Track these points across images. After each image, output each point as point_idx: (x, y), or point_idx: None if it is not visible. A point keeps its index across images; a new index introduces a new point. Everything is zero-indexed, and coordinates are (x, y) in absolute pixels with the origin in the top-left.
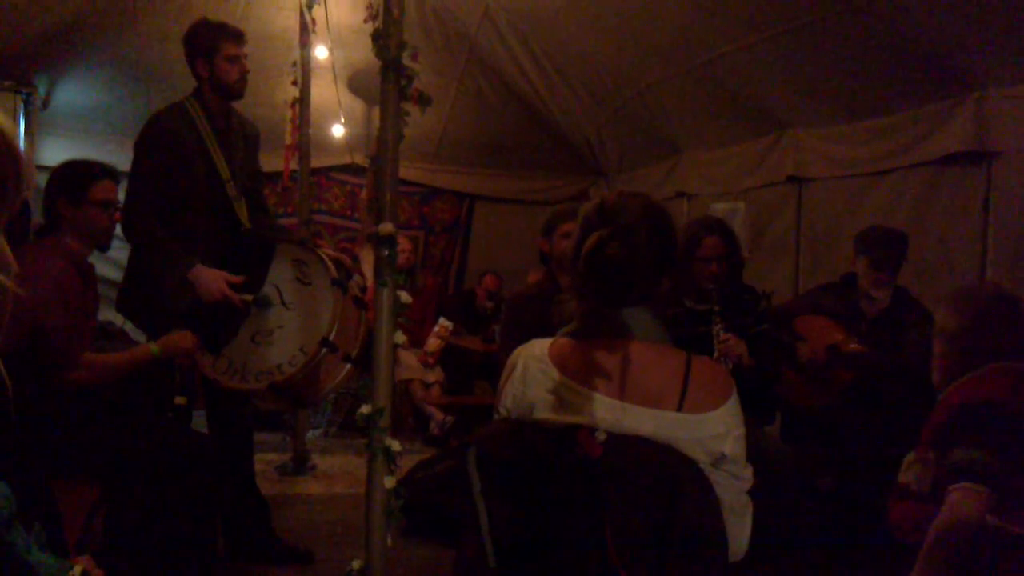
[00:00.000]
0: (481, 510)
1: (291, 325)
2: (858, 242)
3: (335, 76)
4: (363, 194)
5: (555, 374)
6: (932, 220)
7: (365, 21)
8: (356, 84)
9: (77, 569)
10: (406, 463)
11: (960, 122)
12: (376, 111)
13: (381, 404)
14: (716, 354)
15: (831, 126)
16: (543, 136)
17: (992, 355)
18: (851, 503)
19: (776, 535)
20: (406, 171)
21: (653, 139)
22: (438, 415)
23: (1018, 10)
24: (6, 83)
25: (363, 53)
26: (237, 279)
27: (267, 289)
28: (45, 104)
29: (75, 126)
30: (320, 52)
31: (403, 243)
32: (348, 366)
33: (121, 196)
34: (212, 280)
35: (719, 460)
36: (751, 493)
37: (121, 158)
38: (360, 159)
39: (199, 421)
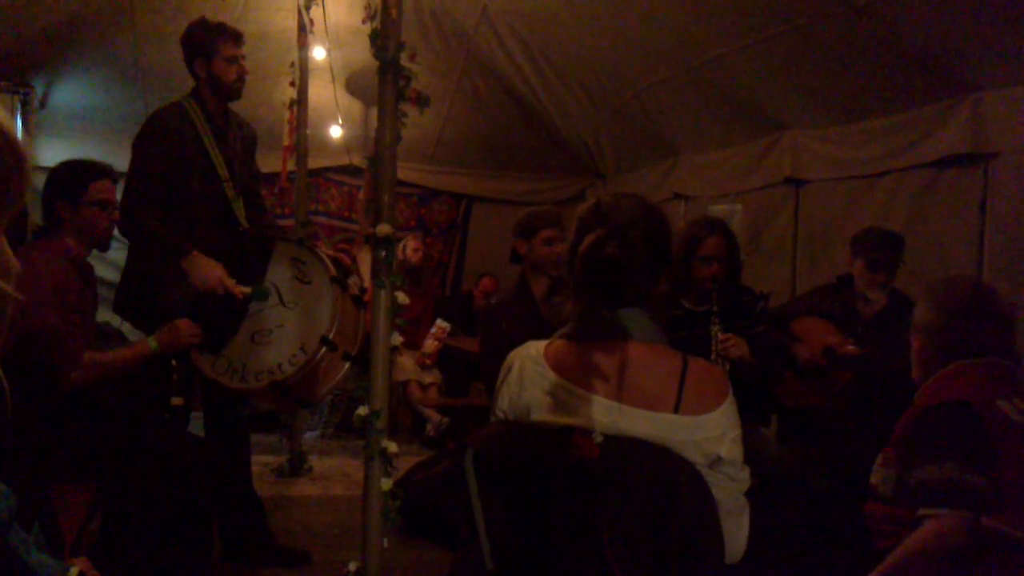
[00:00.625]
0: (478, 512)
1: (291, 324)
2: (854, 244)
3: (333, 77)
4: (361, 195)
5: (551, 376)
6: (929, 221)
7: (363, 22)
8: (354, 85)
9: (74, 571)
10: (403, 465)
11: (957, 124)
12: (374, 112)
13: (378, 406)
14: (713, 355)
15: (828, 128)
16: (541, 137)
17: (968, 350)
18: (847, 504)
19: (773, 536)
20: (404, 172)
21: (651, 140)
22: (435, 417)
23: (1015, 12)
24: (3, 83)
25: (361, 54)
26: (232, 282)
27: (266, 286)
28: (42, 104)
29: (72, 126)
30: (318, 53)
31: (415, 242)
32: (347, 365)
33: (119, 196)
34: (209, 268)
35: (716, 462)
36: (748, 494)
37: (119, 158)
38: (358, 160)
39: (197, 423)
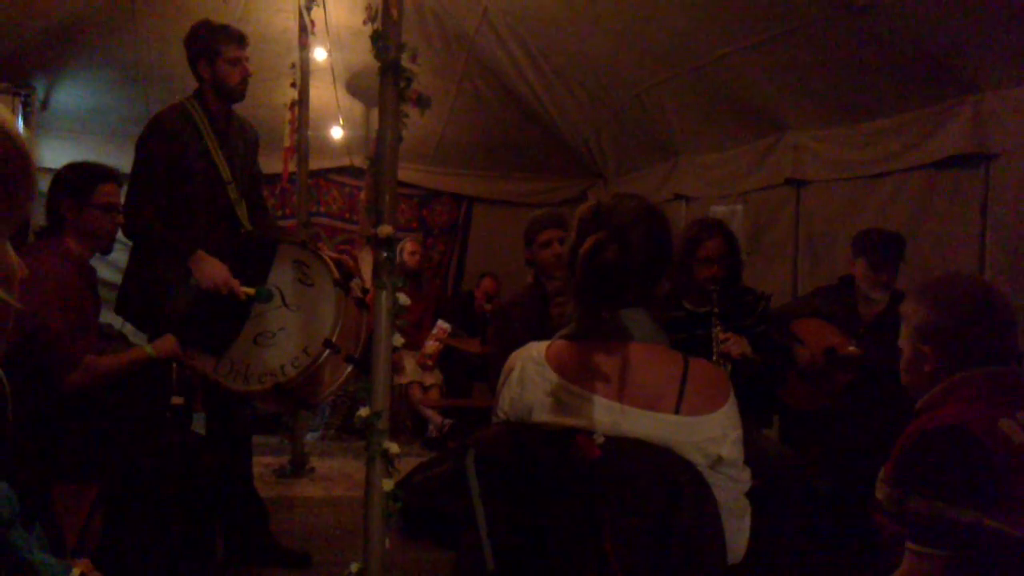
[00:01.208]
0: (480, 513)
1: (293, 326)
2: (856, 244)
3: (334, 78)
4: (362, 196)
5: (553, 376)
6: (930, 222)
7: (364, 23)
8: (355, 86)
9: (76, 572)
10: (404, 466)
11: (958, 124)
12: (375, 113)
13: (380, 407)
14: (715, 356)
15: (829, 128)
16: (542, 138)
17: (975, 358)
18: (849, 505)
19: (774, 537)
20: (405, 173)
21: (652, 141)
22: (436, 418)
23: (1016, 12)
24: (4, 84)
25: (362, 55)
26: (237, 283)
27: (269, 288)
28: (44, 105)
29: (74, 127)
30: (319, 54)
31: (412, 245)
32: (349, 367)
33: (121, 199)
34: (214, 266)
35: (717, 463)
36: (749, 495)
37: (120, 159)
38: (359, 161)
39: (199, 423)
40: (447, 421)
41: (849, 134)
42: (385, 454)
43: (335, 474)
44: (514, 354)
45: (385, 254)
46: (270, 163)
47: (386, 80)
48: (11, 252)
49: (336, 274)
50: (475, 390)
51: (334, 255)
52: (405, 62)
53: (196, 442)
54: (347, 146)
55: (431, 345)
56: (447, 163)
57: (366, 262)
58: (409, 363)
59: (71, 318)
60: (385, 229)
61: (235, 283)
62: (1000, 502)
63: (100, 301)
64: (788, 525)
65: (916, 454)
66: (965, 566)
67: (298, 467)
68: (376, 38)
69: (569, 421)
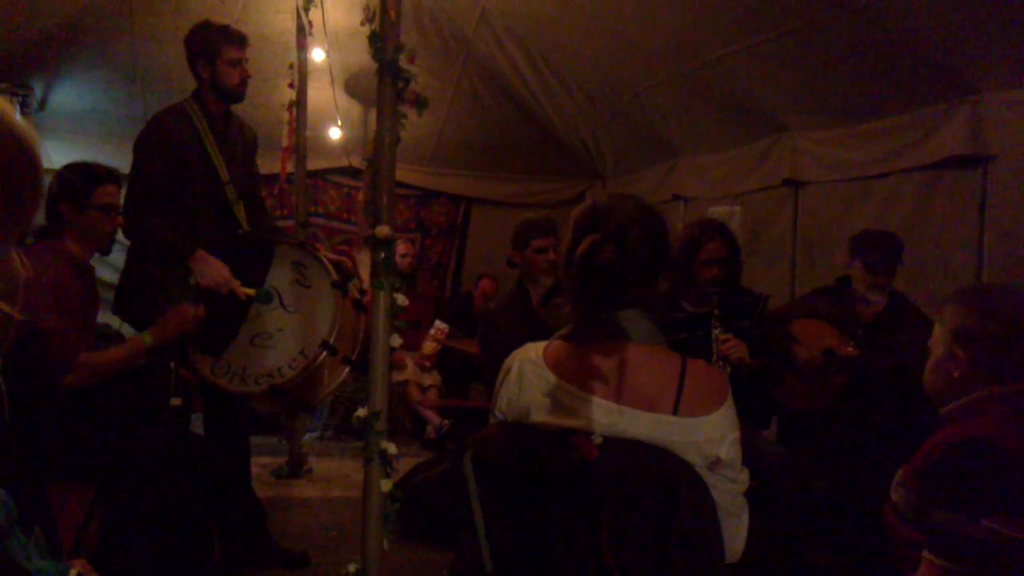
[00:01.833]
0: (477, 513)
1: (291, 328)
2: (853, 245)
3: (332, 78)
4: (360, 197)
5: (551, 377)
6: (928, 223)
7: (362, 23)
8: (353, 86)
9: (73, 573)
10: (402, 466)
11: (956, 125)
12: (373, 113)
13: (377, 407)
14: (714, 358)
15: (828, 129)
16: (540, 139)
17: (1011, 373)
18: (846, 506)
19: (772, 538)
20: (403, 174)
21: (650, 142)
22: (434, 418)
23: (1014, 14)
24: (2, 84)
25: (360, 55)
26: (237, 283)
27: (268, 289)
28: (42, 105)
29: (71, 127)
30: (317, 54)
31: (404, 247)
32: (347, 369)
33: (121, 198)
34: (215, 266)
35: (715, 464)
36: (747, 496)
37: (118, 159)
38: (357, 162)
39: (197, 424)
40: (445, 422)
41: (847, 135)
42: (383, 454)
43: (333, 474)
44: (512, 354)
45: (383, 254)
46: (268, 163)
47: (384, 81)
48: (16, 260)
49: (334, 276)
50: (472, 390)
51: (333, 256)
52: (403, 63)
53: (194, 443)
54: (345, 147)
55: (429, 346)
56: (445, 164)
57: (364, 263)
58: (408, 362)
59: (68, 320)
60: (383, 230)
61: (236, 283)
62: None
63: (99, 301)
64: (785, 526)
65: (944, 466)
66: None
67: (296, 467)
68: (374, 39)
69: (567, 422)
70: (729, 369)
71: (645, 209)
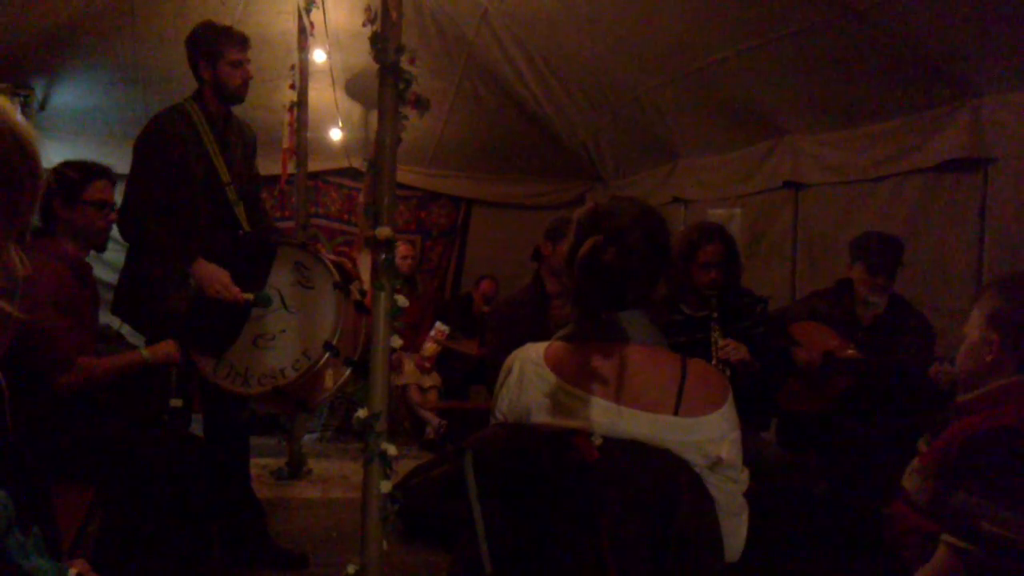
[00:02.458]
0: (477, 514)
1: (293, 329)
2: (854, 247)
3: (333, 80)
4: (361, 198)
5: (551, 378)
6: (929, 226)
7: (363, 25)
8: (354, 88)
9: (72, 573)
10: (402, 468)
11: (957, 128)
12: (374, 115)
13: (377, 408)
14: (714, 361)
15: (828, 132)
16: (540, 141)
17: None
18: (846, 508)
19: (772, 540)
20: (403, 175)
21: (650, 144)
22: (434, 419)
23: (1015, 17)
24: (3, 84)
25: (361, 57)
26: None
27: (268, 292)
28: (42, 105)
29: (72, 128)
30: (318, 56)
31: (405, 249)
32: (348, 370)
33: (118, 197)
34: (215, 273)
35: (715, 463)
36: (747, 497)
37: (118, 159)
38: (358, 163)
39: (197, 425)
40: (444, 422)
41: (847, 138)
42: (383, 456)
43: (333, 475)
44: (512, 355)
45: (383, 256)
46: (269, 164)
47: (385, 82)
48: (15, 257)
49: (336, 277)
50: (472, 392)
51: (334, 257)
52: (404, 64)
53: (194, 444)
54: (346, 148)
55: (429, 347)
56: (446, 165)
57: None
58: (408, 364)
59: (65, 319)
60: (384, 231)
61: (236, 290)
62: None
63: (98, 298)
64: (785, 528)
65: (969, 452)
66: (999, 565)
67: (296, 469)
68: (375, 40)
69: (567, 422)
70: (729, 372)
71: (646, 211)
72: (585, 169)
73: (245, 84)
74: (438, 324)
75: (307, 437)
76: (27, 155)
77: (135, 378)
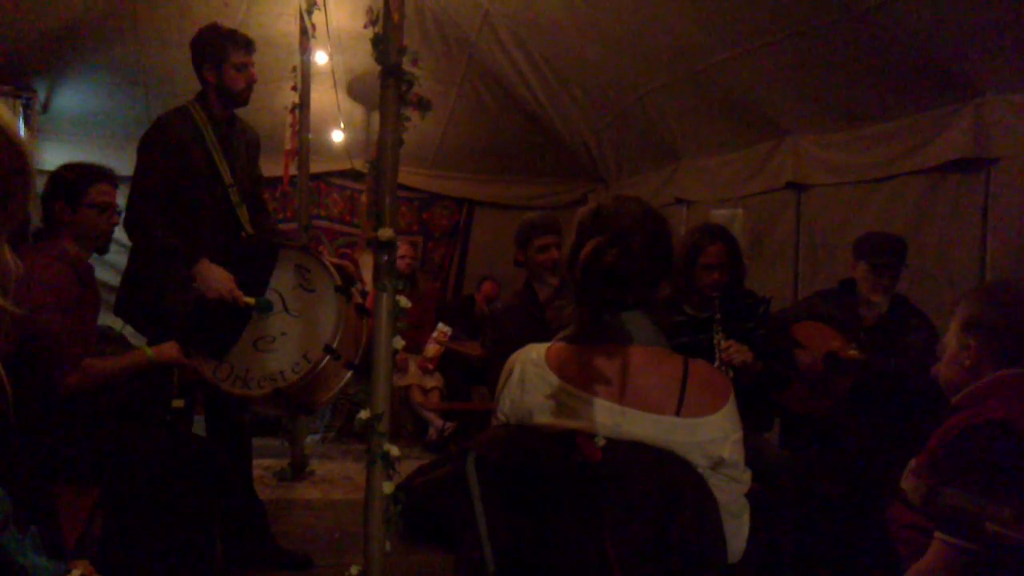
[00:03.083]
0: (480, 516)
1: (294, 332)
2: (857, 248)
3: (335, 81)
4: (362, 199)
5: (553, 379)
6: (931, 226)
7: (365, 26)
8: (356, 89)
9: (75, 573)
10: (405, 469)
11: (959, 128)
12: (376, 116)
13: (380, 410)
14: (717, 362)
15: (830, 132)
16: (542, 142)
17: (1018, 358)
18: (850, 509)
19: (775, 540)
20: (405, 177)
21: (652, 145)
22: (437, 421)
23: (1017, 17)
24: (6, 86)
25: (363, 58)
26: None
27: (269, 295)
28: (45, 107)
29: (75, 130)
30: (320, 57)
31: (405, 249)
32: (349, 373)
33: (120, 200)
34: (217, 275)
35: (718, 464)
36: (750, 498)
37: (121, 161)
38: (360, 164)
39: (199, 426)
40: (447, 424)
41: (850, 138)
42: (385, 457)
43: (335, 477)
44: (513, 356)
45: (385, 257)
46: (271, 166)
47: (387, 84)
48: (8, 253)
49: (338, 280)
50: (475, 393)
51: (336, 260)
52: (406, 66)
53: (196, 444)
54: (348, 149)
55: (432, 348)
56: (448, 166)
57: (367, 266)
58: (410, 365)
59: (68, 320)
60: (386, 232)
61: (239, 294)
62: None
63: (100, 300)
64: (787, 529)
65: (958, 447)
66: (993, 561)
67: (298, 470)
68: (377, 42)
69: (570, 423)
70: (732, 373)
71: (649, 212)
72: (587, 170)
73: (250, 87)
74: (440, 325)
75: (310, 438)
76: (14, 150)
77: (137, 379)
